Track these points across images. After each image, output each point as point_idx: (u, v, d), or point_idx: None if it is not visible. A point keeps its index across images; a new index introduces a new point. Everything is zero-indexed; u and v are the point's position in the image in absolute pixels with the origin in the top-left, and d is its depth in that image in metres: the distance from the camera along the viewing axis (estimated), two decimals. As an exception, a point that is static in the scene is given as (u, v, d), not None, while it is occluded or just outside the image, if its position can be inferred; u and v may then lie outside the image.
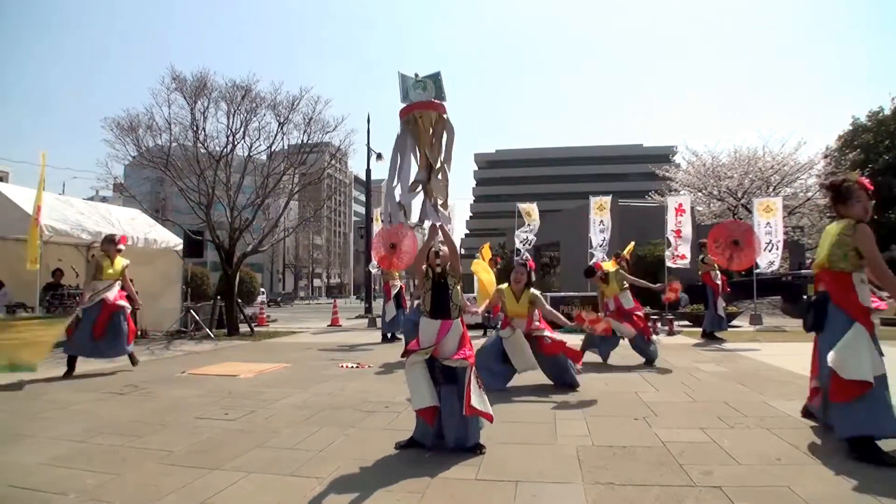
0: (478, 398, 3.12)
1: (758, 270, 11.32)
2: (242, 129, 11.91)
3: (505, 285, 5.11)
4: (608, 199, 12.91)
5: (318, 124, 12.43)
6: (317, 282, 74.98)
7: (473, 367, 3.17)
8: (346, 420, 3.92)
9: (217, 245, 11.84)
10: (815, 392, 3.31)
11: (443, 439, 3.15)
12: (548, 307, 5.02)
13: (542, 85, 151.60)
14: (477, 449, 3.09)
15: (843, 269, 3.04)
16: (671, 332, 9.95)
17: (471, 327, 12.37)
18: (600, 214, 12.73)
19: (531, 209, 14.01)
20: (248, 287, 16.55)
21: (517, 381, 5.07)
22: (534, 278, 5.15)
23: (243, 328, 11.58)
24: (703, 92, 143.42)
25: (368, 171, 20.64)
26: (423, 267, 3.27)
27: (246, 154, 12.47)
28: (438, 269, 3.21)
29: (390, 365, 6.59)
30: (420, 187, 3.17)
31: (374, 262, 11.17)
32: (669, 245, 11.71)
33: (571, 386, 4.93)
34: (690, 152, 22.24)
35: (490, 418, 3.20)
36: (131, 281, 6.69)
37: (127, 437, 3.54)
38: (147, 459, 3.08)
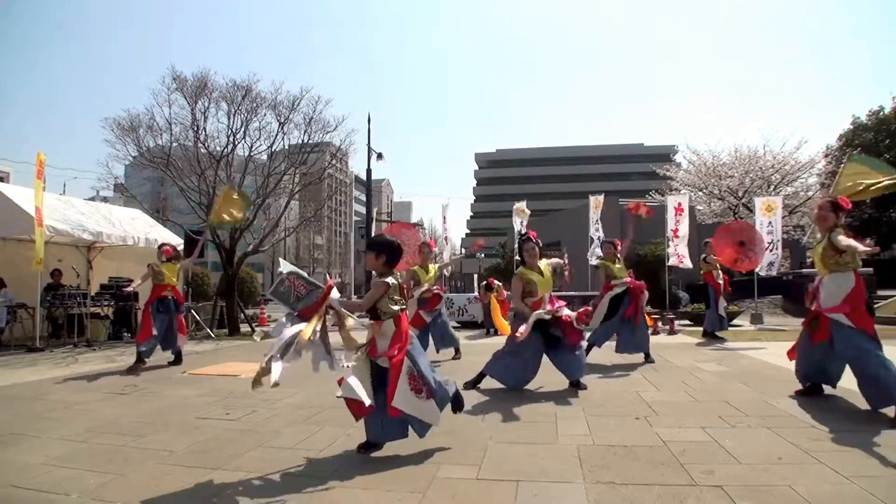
0: (404, 399, 2.98)
1: (758, 270, 11.31)
2: (243, 129, 11.92)
3: (521, 269, 4.78)
4: (601, 197, 13.01)
5: (318, 124, 12.46)
6: (317, 282, 74.89)
7: (403, 368, 3.02)
8: (347, 419, 3.89)
9: (218, 245, 11.85)
10: None
11: (392, 434, 3.13)
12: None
13: (543, 84, 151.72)
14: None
15: None
16: (672, 332, 9.94)
17: (470, 326, 12.29)
18: (598, 214, 12.78)
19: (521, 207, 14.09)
20: (249, 287, 16.55)
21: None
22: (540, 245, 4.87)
23: (244, 328, 11.59)
24: (704, 91, 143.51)
25: (369, 171, 20.66)
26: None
27: (246, 154, 12.48)
28: None
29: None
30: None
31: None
32: (669, 244, 11.71)
33: (578, 386, 4.82)
34: (691, 151, 22.21)
35: (424, 428, 3.13)
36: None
37: (128, 437, 3.55)
38: (149, 459, 3.08)
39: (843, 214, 4.06)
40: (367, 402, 2.91)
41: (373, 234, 14.81)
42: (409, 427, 3.13)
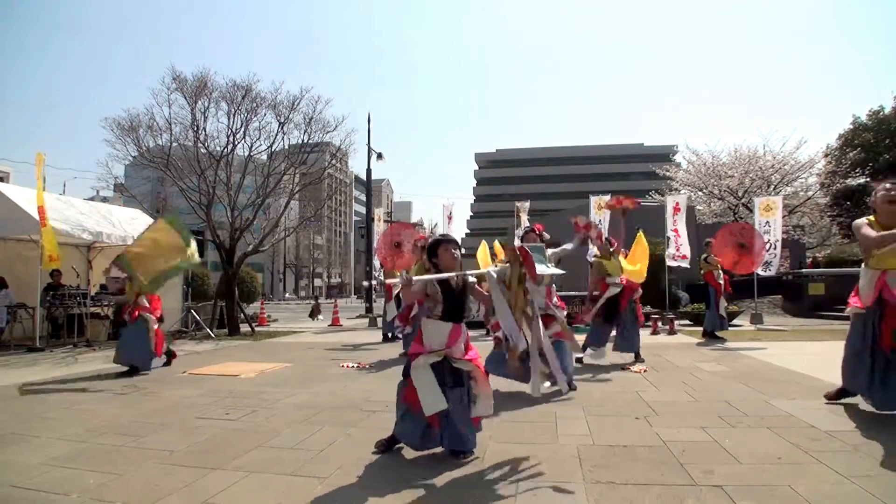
0: (483, 403, 3.06)
1: (756, 269, 11.31)
2: (243, 129, 11.92)
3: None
4: (606, 197, 12.91)
5: (318, 124, 12.46)
6: (317, 281, 74.99)
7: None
8: (347, 420, 3.92)
9: (218, 245, 11.85)
10: None
11: (431, 442, 3.03)
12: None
13: (543, 84, 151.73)
14: (469, 454, 2.99)
15: None
16: (672, 332, 9.94)
17: (472, 326, 12.32)
18: (600, 214, 12.74)
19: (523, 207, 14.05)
20: (249, 287, 16.53)
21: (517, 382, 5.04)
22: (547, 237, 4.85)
23: (244, 328, 11.59)
24: (704, 91, 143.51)
25: (369, 171, 20.64)
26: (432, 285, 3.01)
27: (246, 154, 12.48)
28: (458, 283, 3.04)
29: (391, 364, 6.59)
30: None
31: (377, 263, 11.12)
32: (669, 244, 11.70)
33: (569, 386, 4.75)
34: (691, 151, 22.25)
35: (477, 421, 3.10)
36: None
37: (128, 437, 3.55)
38: (148, 459, 3.08)
39: None
40: (445, 406, 2.91)
41: (374, 235, 14.78)
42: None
